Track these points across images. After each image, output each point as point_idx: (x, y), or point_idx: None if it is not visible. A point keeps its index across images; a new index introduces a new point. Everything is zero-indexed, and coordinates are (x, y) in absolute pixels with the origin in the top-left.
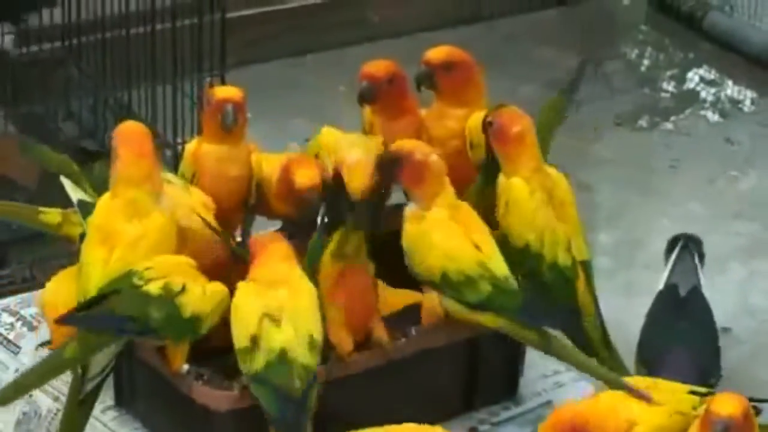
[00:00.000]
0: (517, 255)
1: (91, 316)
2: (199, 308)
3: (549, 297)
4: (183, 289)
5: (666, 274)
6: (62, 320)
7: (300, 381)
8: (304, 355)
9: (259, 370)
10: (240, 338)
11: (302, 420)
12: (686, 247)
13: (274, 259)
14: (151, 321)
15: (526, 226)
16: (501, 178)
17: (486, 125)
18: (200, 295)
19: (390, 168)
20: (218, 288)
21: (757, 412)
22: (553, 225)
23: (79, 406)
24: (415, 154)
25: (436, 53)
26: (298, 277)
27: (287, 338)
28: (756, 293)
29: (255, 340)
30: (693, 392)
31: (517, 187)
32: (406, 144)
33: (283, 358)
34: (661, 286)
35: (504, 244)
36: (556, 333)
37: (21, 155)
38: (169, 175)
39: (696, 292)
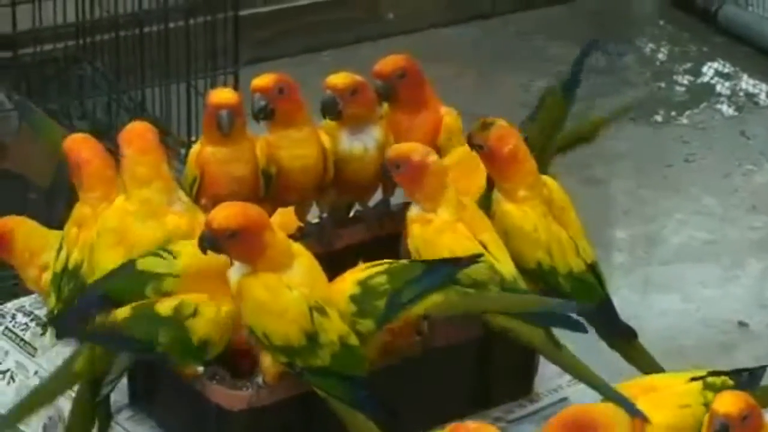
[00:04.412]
0: (532, 275)
1: (98, 335)
2: (209, 334)
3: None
4: (195, 312)
5: None
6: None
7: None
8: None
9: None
10: (290, 337)
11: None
12: None
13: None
14: (157, 345)
15: (530, 246)
16: (496, 196)
17: (475, 148)
18: (212, 319)
19: (389, 170)
20: (232, 309)
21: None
22: (558, 234)
23: (95, 409)
24: (412, 156)
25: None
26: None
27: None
28: None
29: (312, 337)
30: (693, 378)
31: (510, 215)
32: (403, 146)
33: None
34: None
35: (517, 267)
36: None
37: (21, 120)
38: (181, 193)
39: None
